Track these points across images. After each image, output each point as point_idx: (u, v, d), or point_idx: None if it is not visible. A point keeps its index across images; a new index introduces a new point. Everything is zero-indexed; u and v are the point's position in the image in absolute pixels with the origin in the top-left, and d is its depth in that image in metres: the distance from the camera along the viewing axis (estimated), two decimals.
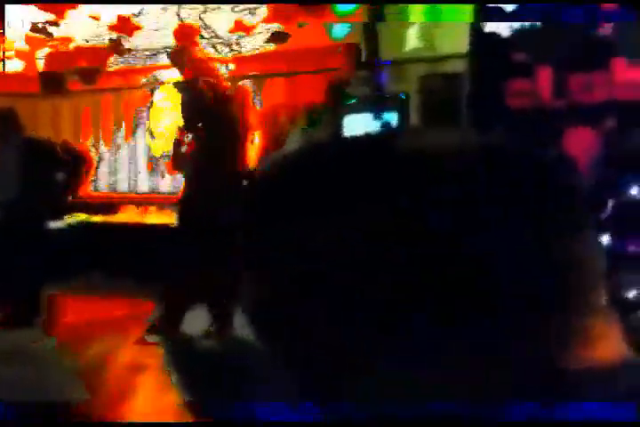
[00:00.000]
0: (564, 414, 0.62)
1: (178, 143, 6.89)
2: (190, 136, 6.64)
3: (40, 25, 8.51)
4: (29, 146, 7.06)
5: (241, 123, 6.70)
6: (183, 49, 7.79)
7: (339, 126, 8.69)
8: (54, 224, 8.26)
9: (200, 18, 8.64)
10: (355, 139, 0.72)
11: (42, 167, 7.03)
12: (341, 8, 7.73)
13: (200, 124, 6.47)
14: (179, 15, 8.71)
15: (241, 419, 0.93)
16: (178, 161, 6.95)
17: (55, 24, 8.42)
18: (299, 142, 8.39)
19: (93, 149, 10.54)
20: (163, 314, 6.53)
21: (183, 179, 6.86)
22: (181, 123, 7.10)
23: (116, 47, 8.63)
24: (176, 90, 7.67)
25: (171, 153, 7.20)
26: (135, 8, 8.41)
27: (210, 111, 6.42)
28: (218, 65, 8.22)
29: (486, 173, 0.63)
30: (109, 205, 10.22)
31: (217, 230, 6.16)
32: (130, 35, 8.45)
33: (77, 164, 7.36)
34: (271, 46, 8.87)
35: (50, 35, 8.85)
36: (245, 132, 7.00)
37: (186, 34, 8.21)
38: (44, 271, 7.04)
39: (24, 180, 6.87)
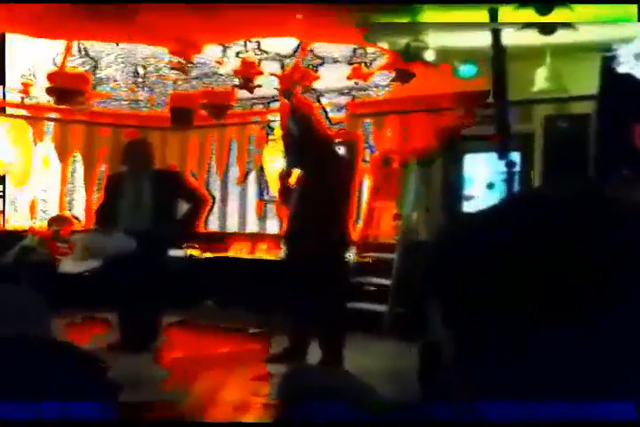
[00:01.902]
0: None
1: (284, 177, 6.96)
2: (296, 171, 6.68)
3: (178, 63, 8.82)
4: (160, 176, 7.26)
5: (349, 165, 6.74)
6: (292, 87, 7.98)
7: (458, 167, 8.64)
8: (175, 254, 8.43)
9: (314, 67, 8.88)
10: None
11: (170, 198, 7.20)
12: (464, 73, 7.73)
13: (304, 160, 6.51)
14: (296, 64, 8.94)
15: None
16: (283, 195, 7.02)
17: (190, 63, 8.71)
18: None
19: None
20: (288, 346, 6.56)
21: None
22: (285, 156, 7.18)
23: (245, 85, 8.85)
24: (284, 124, 7.78)
25: (278, 188, 7.28)
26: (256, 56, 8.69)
27: (314, 148, 6.45)
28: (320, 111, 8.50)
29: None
30: (220, 241, 10.45)
31: (314, 265, 6.20)
32: (253, 80, 8.71)
33: (198, 200, 7.50)
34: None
35: (186, 72, 9.19)
36: (352, 174, 7.00)
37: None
38: (164, 300, 7.18)
39: (153, 209, 7.07)
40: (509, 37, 6.52)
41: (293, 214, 6.62)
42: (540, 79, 7.54)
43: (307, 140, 6.50)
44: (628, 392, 0.67)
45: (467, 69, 7.82)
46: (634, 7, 5.94)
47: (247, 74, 8.65)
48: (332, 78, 9.05)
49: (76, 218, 10.66)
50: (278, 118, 9.60)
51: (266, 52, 8.70)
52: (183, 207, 7.50)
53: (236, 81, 8.93)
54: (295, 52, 8.80)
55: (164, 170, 7.99)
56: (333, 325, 6.43)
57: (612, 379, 0.68)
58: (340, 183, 6.59)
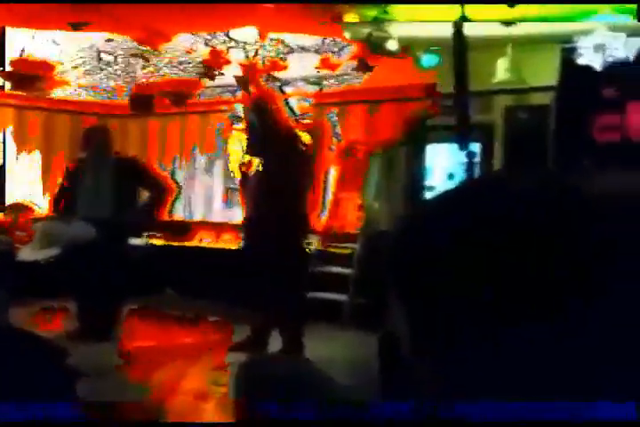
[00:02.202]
0: None
1: (245, 164, 6.94)
2: (255, 160, 6.67)
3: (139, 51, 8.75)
4: (120, 164, 7.20)
5: (312, 156, 6.74)
6: (248, 75, 7.94)
7: (420, 157, 8.69)
8: (136, 242, 8.39)
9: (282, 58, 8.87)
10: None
11: (131, 186, 7.14)
12: (425, 63, 7.77)
13: (263, 149, 6.49)
14: (257, 53, 8.92)
15: None
16: (243, 185, 7.02)
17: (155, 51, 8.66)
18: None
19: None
20: (250, 335, 6.58)
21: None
22: (246, 146, 7.16)
23: (208, 72, 8.81)
24: (244, 113, 7.74)
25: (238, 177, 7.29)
26: (224, 45, 8.65)
27: (273, 137, 6.44)
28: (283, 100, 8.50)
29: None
30: (185, 230, 10.42)
31: (272, 254, 6.21)
32: (220, 68, 8.67)
33: (161, 188, 7.44)
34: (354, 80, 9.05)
35: (147, 60, 9.14)
36: (311, 165, 6.99)
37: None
38: (125, 287, 7.14)
39: (113, 196, 7.01)
40: (471, 28, 6.56)
41: (253, 203, 6.62)
42: (501, 70, 7.60)
43: (266, 130, 6.49)
44: (629, 392, 0.67)
45: (428, 59, 7.85)
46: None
47: (215, 63, 8.61)
48: (300, 67, 9.05)
49: (36, 205, 10.57)
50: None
51: (235, 41, 8.65)
52: (144, 194, 7.45)
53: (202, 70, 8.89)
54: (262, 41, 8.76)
55: (124, 157, 7.91)
56: (293, 313, 6.45)
57: (602, 378, 0.68)
58: (297, 173, 6.58)
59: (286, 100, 9.57)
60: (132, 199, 7.29)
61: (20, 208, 9.90)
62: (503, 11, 6.20)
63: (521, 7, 6.12)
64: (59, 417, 1.42)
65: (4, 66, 9.26)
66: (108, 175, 7.12)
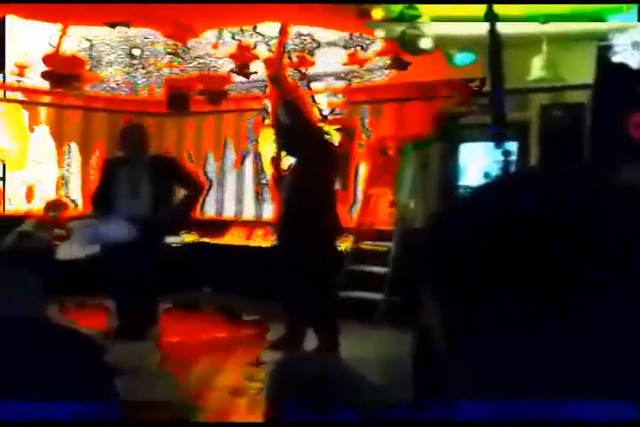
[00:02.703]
0: None
1: (276, 164, 6.96)
2: (286, 158, 6.69)
3: (172, 47, 8.79)
4: (157, 162, 7.24)
5: (342, 154, 6.73)
6: (281, 73, 7.93)
7: (454, 155, 8.65)
8: (172, 241, 8.44)
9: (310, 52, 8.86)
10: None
11: (167, 184, 7.18)
12: (460, 61, 7.73)
13: (293, 148, 6.52)
14: (288, 52, 8.92)
15: None
16: (276, 182, 7.02)
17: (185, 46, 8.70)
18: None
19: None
20: (285, 334, 6.62)
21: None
22: (276, 144, 7.16)
23: (240, 70, 8.84)
24: (274, 112, 7.76)
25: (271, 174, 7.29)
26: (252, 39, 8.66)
27: (303, 136, 6.46)
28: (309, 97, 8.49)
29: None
30: (218, 227, 10.49)
31: (305, 252, 6.21)
32: (248, 63, 8.69)
33: (197, 186, 7.48)
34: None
35: (182, 57, 9.19)
36: (348, 162, 6.95)
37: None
38: (162, 285, 7.18)
39: (151, 195, 7.07)
40: (506, 25, 6.52)
41: (284, 201, 6.65)
42: (537, 68, 7.55)
43: (296, 129, 6.51)
44: (630, 392, 0.67)
45: (463, 57, 7.82)
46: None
47: (243, 58, 8.61)
48: (329, 62, 9.03)
49: (74, 203, 10.68)
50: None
51: (262, 35, 8.65)
52: (181, 193, 7.50)
53: (232, 65, 8.90)
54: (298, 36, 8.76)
55: (160, 155, 7.97)
56: (327, 311, 6.46)
57: (613, 378, 0.68)
58: (327, 172, 6.58)
59: (313, 96, 9.58)
60: (169, 197, 7.32)
61: (58, 206, 10.00)
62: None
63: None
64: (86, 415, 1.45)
65: (3, 57, 9.35)
66: (145, 174, 7.16)
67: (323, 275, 6.35)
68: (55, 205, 10.01)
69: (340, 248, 7.21)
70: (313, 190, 6.32)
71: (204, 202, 10.79)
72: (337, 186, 6.84)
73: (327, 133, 7.19)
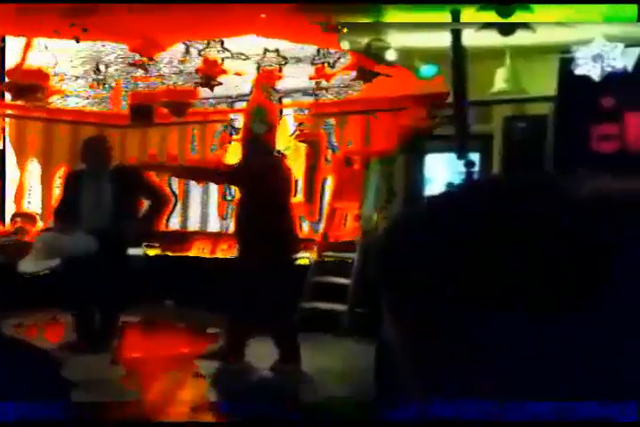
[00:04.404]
0: None
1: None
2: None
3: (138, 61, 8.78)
4: (119, 174, 7.18)
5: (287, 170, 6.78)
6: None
7: (419, 167, 8.69)
8: (134, 252, 8.37)
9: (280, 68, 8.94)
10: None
11: (130, 196, 7.13)
12: (424, 73, 7.78)
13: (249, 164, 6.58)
14: (258, 64, 8.99)
15: None
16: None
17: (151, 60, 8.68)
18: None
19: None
20: (225, 343, 6.60)
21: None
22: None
23: (206, 82, 8.84)
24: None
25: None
26: (219, 54, 8.70)
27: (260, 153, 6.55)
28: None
29: None
30: (182, 240, 10.44)
31: (260, 264, 6.20)
32: (216, 77, 8.72)
33: (160, 198, 7.44)
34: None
35: (147, 70, 9.19)
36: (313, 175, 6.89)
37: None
38: (122, 298, 7.13)
39: (113, 207, 7.02)
40: (469, 38, 6.57)
41: (237, 217, 6.71)
42: (500, 80, 7.60)
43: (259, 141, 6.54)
44: (630, 392, 0.67)
45: (427, 70, 7.86)
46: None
47: (210, 72, 8.64)
48: (296, 78, 9.10)
49: (38, 216, 10.57)
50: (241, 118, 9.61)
51: (229, 51, 8.68)
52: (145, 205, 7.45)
53: (199, 80, 8.91)
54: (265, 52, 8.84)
55: (123, 167, 7.90)
56: (284, 324, 6.42)
57: (613, 377, 0.68)
58: (278, 188, 6.52)
59: (281, 110, 9.63)
60: (132, 209, 7.27)
61: (25, 217, 9.93)
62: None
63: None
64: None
65: (3, 75, 9.32)
66: (107, 186, 7.11)
67: (278, 286, 6.32)
68: (23, 216, 9.91)
69: (296, 260, 7.19)
70: (264, 204, 6.31)
71: (169, 215, 10.77)
72: (288, 202, 6.80)
73: (279, 151, 7.25)
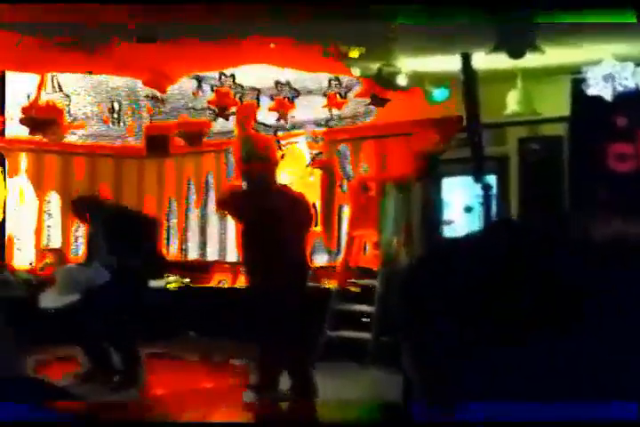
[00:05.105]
0: None
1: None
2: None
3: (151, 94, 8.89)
4: (110, 220, 7.37)
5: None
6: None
7: (436, 190, 8.67)
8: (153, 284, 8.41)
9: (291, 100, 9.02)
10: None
11: (131, 234, 7.24)
12: (436, 97, 7.80)
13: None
14: (272, 97, 9.06)
15: None
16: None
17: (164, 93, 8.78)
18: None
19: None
20: (260, 375, 6.52)
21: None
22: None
23: (220, 113, 8.92)
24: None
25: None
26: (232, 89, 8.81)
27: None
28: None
29: None
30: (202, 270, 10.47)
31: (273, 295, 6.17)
32: (229, 108, 8.81)
33: (145, 224, 7.61)
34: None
35: (162, 102, 9.29)
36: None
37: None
38: (140, 330, 7.14)
39: (109, 242, 7.17)
40: (480, 61, 6.58)
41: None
42: (512, 102, 7.61)
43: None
44: (631, 392, 0.69)
45: (439, 93, 7.88)
46: None
47: (222, 103, 8.72)
48: (308, 110, 9.19)
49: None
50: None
51: (241, 86, 8.78)
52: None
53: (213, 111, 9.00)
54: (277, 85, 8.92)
55: (111, 214, 7.92)
56: (298, 351, 6.37)
57: (614, 378, 0.70)
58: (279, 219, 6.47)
59: (278, 140, 9.69)
60: (126, 240, 7.31)
61: (57, 255, 10.07)
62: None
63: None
64: None
65: (3, 110, 9.44)
66: (99, 224, 7.31)
67: (290, 316, 6.26)
68: (54, 254, 10.02)
69: (307, 288, 7.12)
70: (264, 235, 6.28)
71: (185, 245, 10.87)
72: (303, 228, 6.76)
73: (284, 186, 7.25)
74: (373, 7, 5.84)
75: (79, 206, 7.68)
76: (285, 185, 7.37)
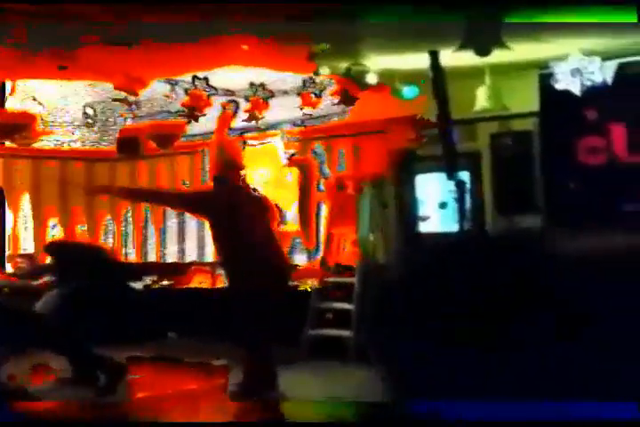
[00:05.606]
0: None
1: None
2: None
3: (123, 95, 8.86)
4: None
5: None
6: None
7: (411, 187, 8.73)
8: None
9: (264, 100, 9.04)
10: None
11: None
12: (406, 94, 7.84)
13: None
14: (247, 98, 9.07)
15: None
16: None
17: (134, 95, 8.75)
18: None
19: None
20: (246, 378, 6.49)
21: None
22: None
23: (190, 113, 8.90)
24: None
25: None
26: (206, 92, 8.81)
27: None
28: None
29: None
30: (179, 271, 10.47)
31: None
32: (202, 111, 8.79)
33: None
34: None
35: (130, 104, 9.25)
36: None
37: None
38: (122, 332, 7.17)
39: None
40: (448, 58, 6.63)
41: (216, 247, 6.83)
42: (482, 98, 7.67)
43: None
44: (631, 392, 0.71)
45: (409, 91, 7.92)
46: None
47: (195, 105, 8.71)
48: (283, 111, 9.20)
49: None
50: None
51: (214, 89, 8.78)
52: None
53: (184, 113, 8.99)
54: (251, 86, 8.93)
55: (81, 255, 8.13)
56: (255, 348, 6.37)
57: (614, 378, 0.72)
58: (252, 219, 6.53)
59: (244, 141, 9.69)
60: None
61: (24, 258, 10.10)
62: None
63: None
64: None
65: None
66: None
67: (271, 314, 6.31)
68: (26, 259, 10.03)
69: (289, 287, 7.15)
70: (236, 234, 6.34)
71: (164, 248, 10.90)
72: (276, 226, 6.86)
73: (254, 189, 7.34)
74: (344, 7, 5.88)
75: (48, 251, 8.26)
76: (249, 185, 7.51)
